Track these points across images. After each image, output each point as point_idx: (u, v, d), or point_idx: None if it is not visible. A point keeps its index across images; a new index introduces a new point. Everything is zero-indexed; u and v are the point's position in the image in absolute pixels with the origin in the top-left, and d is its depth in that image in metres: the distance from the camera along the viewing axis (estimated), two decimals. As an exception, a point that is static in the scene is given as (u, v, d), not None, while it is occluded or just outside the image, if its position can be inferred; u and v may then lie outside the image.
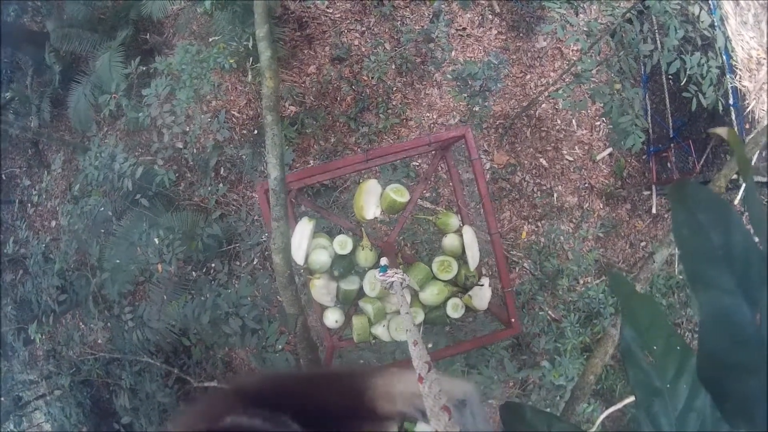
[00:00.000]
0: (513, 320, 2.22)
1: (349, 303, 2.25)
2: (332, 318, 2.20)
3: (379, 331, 2.20)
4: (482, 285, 2.20)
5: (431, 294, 2.17)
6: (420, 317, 2.20)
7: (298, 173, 2.27)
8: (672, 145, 6.34)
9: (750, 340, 0.50)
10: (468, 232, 2.24)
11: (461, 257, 2.26)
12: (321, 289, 2.15)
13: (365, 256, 2.21)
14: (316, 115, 6.67)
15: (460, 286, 2.24)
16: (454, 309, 2.20)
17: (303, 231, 2.15)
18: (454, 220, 2.31)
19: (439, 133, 2.29)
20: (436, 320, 2.23)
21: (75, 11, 7.24)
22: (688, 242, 0.53)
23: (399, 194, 2.22)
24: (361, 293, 2.22)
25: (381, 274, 1.87)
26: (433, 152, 2.44)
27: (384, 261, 2.07)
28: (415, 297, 2.22)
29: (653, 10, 4.35)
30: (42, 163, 8.29)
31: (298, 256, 2.13)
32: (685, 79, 4.48)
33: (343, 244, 2.18)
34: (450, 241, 2.27)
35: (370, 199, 2.25)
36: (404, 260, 2.37)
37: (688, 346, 0.75)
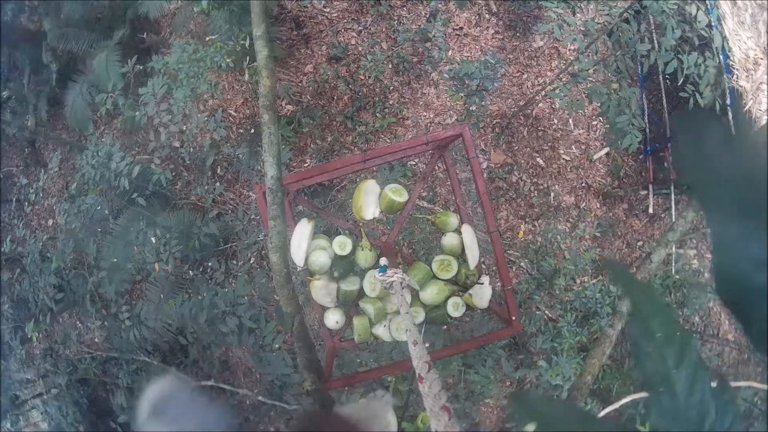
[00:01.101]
0: (514, 318, 2.22)
1: (350, 304, 2.25)
2: (333, 319, 2.20)
3: (380, 331, 2.20)
4: (482, 283, 2.20)
5: (431, 293, 2.17)
6: (421, 317, 2.21)
7: (297, 174, 2.27)
8: (669, 144, 6.35)
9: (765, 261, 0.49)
10: (467, 231, 2.24)
11: (461, 256, 2.27)
12: (321, 290, 2.14)
13: (365, 257, 2.21)
14: (313, 114, 6.66)
15: (461, 285, 2.24)
16: (455, 308, 2.20)
17: (302, 232, 2.14)
18: (453, 219, 2.32)
19: (437, 133, 2.29)
20: (436, 319, 2.23)
21: (72, 10, 7.20)
22: (698, 169, 0.53)
23: (398, 194, 2.23)
24: (361, 294, 2.22)
25: (381, 274, 1.88)
26: (431, 151, 2.44)
27: (383, 261, 2.08)
28: (415, 297, 2.22)
29: (650, 10, 4.35)
30: (39, 162, 8.25)
31: (298, 257, 2.13)
32: (682, 79, 4.48)
33: (342, 245, 2.18)
34: (449, 240, 2.27)
35: (370, 199, 2.25)
36: (404, 260, 2.38)
37: (688, 333, 0.75)
